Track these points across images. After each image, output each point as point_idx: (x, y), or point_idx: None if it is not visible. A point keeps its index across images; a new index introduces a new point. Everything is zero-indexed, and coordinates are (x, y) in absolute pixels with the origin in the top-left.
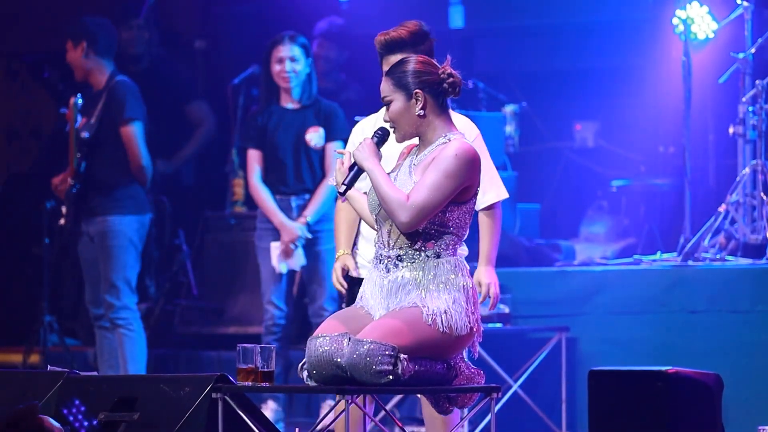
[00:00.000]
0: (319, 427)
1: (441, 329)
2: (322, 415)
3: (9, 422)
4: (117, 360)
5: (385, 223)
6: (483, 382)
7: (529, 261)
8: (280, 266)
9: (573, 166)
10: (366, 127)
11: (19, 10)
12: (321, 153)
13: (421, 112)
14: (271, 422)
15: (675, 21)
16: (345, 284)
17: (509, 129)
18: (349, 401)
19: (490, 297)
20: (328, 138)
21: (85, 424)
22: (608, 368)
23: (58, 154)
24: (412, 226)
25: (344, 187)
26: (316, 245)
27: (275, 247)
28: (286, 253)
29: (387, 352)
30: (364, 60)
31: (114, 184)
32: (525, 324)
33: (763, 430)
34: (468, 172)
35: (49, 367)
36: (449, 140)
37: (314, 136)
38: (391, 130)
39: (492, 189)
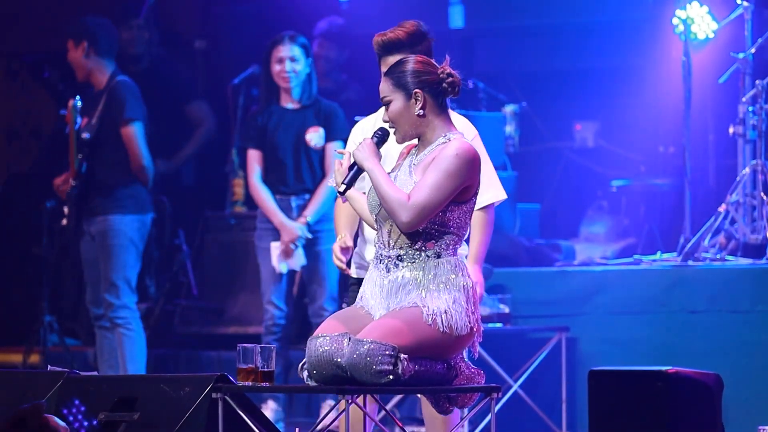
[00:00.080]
0: (319, 427)
1: (441, 329)
2: (322, 415)
3: (14, 421)
4: (117, 360)
5: (385, 223)
6: (483, 382)
7: (529, 261)
8: (280, 266)
9: (573, 166)
10: (366, 126)
11: (19, 10)
12: (321, 153)
13: (421, 111)
14: (271, 422)
15: (675, 21)
16: (344, 259)
17: (509, 129)
18: (349, 401)
19: None
20: (328, 138)
21: (85, 424)
22: (608, 368)
23: (58, 154)
24: (413, 226)
25: (344, 187)
26: (316, 245)
27: (275, 247)
28: (286, 253)
29: (387, 352)
30: (364, 60)
31: (115, 183)
32: (525, 324)
33: (763, 430)
34: (468, 172)
35: (49, 367)
36: (449, 140)
37: (314, 136)
38: (391, 131)
39: (490, 189)
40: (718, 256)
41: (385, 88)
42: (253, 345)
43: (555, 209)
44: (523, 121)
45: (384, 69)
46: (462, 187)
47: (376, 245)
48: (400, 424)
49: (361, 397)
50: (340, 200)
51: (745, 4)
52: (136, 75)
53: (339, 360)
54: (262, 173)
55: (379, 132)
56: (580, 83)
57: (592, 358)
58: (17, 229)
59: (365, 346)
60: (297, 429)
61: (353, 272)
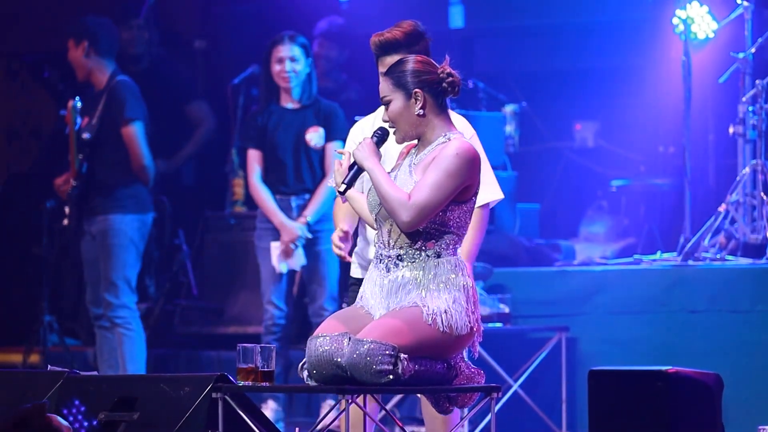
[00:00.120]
0: (319, 427)
1: (441, 329)
2: (322, 415)
3: (17, 421)
4: (117, 360)
5: (385, 222)
6: (483, 381)
7: (529, 261)
8: (280, 266)
9: (573, 166)
10: (364, 126)
11: (19, 10)
12: (321, 153)
13: (421, 111)
14: (271, 422)
15: (675, 21)
16: (343, 246)
17: (509, 129)
18: (349, 401)
19: None
20: (328, 138)
21: (85, 424)
22: (608, 368)
23: (58, 154)
24: (414, 226)
25: (344, 187)
26: (316, 245)
27: (275, 247)
28: (286, 253)
29: (387, 352)
30: (364, 60)
31: (115, 183)
32: (525, 324)
33: (763, 430)
34: (469, 171)
35: (49, 367)
36: (449, 139)
37: (314, 136)
38: (391, 130)
39: (486, 189)
40: (718, 256)
41: (384, 87)
42: (253, 345)
43: (555, 209)
44: (523, 121)
45: (381, 69)
46: (462, 186)
47: (376, 245)
48: (400, 424)
49: (361, 396)
50: (339, 199)
51: (745, 3)
52: (136, 75)
53: (339, 360)
54: (262, 173)
55: (379, 131)
56: (580, 83)
57: (592, 358)
58: (17, 229)
59: (365, 346)
60: (297, 429)
61: (353, 272)
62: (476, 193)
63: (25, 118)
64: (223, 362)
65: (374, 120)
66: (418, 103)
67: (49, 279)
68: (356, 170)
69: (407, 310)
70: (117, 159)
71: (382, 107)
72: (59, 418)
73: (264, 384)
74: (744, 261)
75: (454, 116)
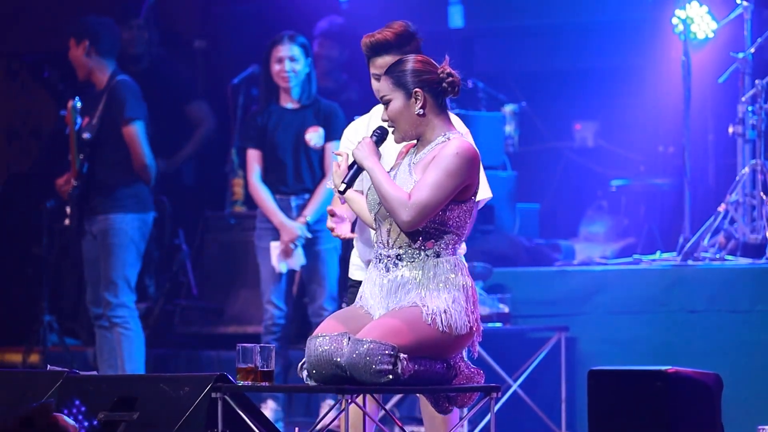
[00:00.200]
0: (318, 427)
1: (441, 329)
2: (321, 415)
3: (23, 421)
4: (117, 360)
5: (384, 222)
6: (483, 381)
7: (528, 261)
8: (280, 266)
9: (573, 166)
10: (359, 126)
11: (19, 10)
12: (320, 153)
13: (421, 111)
14: (271, 422)
15: (675, 21)
16: (335, 226)
17: (509, 129)
18: (349, 401)
19: None
20: (328, 138)
21: (85, 424)
22: (608, 368)
23: (58, 154)
24: (414, 225)
25: (344, 186)
26: (315, 245)
27: (275, 247)
28: (286, 253)
29: (387, 352)
30: (364, 60)
31: (116, 183)
32: (525, 324)
33: (763, 430)
34: (468, 171)
35: (48, 366)
36: (449, 139)
37: (314, 136)
38: (390, 130)
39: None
40: (717, 256)
41: (384, 86)
42: (253, 345)
43: (555, 209)
44: (523, 121)
45: (373, 70)
46: (462, 186)
47: (375, 245)
48: (400, 424)
49: (361, 396)
50: (337, 199)
51: (745, 3)
52: (136, 75)
53: (338, 360)
54: (262, 173)
55: (378, 131)
56: (580, 83)
57: (592, 358)
58: (17, 229)
59: (365, 346)
60: (297, 429)
61: (352, 274)
62: (476, 193)
63: (25, 118)
64: (223, 362)
65: (369, 120)
66: (418, 102)
67: (49, 279)
68: (356, 170)
69: (407, 310)
70: (118, 158)
71: (375, 108)
72: (65, 417)
73: (263, 384)
74: (743, 261)
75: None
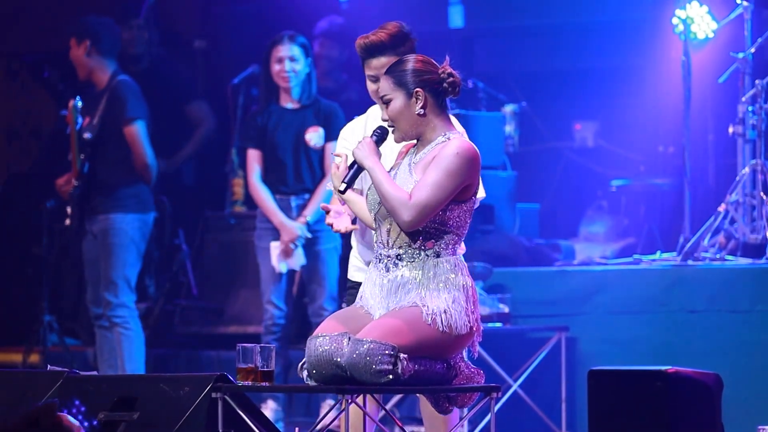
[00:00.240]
0: (318, 427)
1: (441, 329)
2: (321, 415)
3: (28, 421)
4: (117, 360)
5: (384, 221)
6: (483, 381)
7: (528, 261)
8: (280, 266)
9: (573, 166)
10: (356, 127)
11: (19, 10)
12: (320, 153)
13: (421, 111)
14: (271, 422)
15: (675, 21)
16: (333, 222)
17: (509, 129)
18: (349, 401)
19: None
20: (328, 138)
21: (85, 424)
22: (608, 368)
23: (58, 154)
24: (415, 225)
25: (344, 186)
26: (315, 245)
27: (275, 247)
28: (286, 253)
29: (387, 352)
30: None
31: (117, 183)
32: (525, 324)
33: (763, 430)
34: (469, 171)
35: (49, 366)
36: (449, 139)
37: (314, 136)
38: (390, 129)
39: None
40: (717, 256)
41: (385, 86)
42: (253, 345)
43: (555, 209)
44: (523, 121)
45: (368, 72)
46: (462, 186)
47: (375, 245)
48: (400, 424)
49: (361, 396)
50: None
51: (745, 3)
52: (136, 75)
53: (339, 360)
54: (262, 173)
55: (378, 130)
56: (580, 83)
57: (592, 358)
58: (17, 229)
59: (365, 346)
60: (297, 429)
61: (351, 275)
62: (476, 193)
63: (25, 118)
64: (223, 362)
65: (366, 121)
66: (418, 102)
67: (49, 279)
68: (356, 169)
69: (407, 310)
70: (119, 158)
71: (372, 108)
72: (70, 417)
73: (264, 384)
74: (743, 261)
75: None
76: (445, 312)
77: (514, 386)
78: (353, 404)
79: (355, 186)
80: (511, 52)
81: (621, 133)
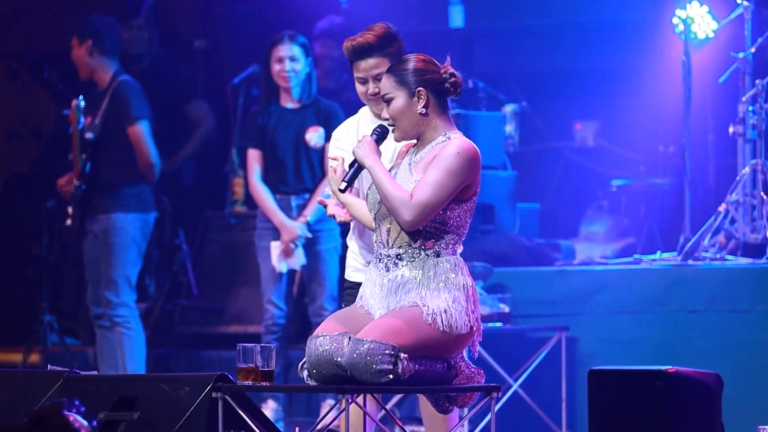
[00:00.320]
0: (319, 427)
1: (441, 328)
2: (322, 415)
3: (35, 421)
4: (117, 359)
5: (384, 221)
6: (483, 381)
7: (529, 260)
8: (280, 266)
9: (573, 166)
10: (348, 129)
11: (19, 10)
12: (321, 152)
13: (423, 110)
14: (271, 422)
15: (675, 20)
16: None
17: (509, 128)
18: (349, 401)
19: None
20: (328, 138)
21: (85, 424)
22: (608, 368)
23: (58, 154)
24: (416, 225)
25: (344, 185)
26: (316, 245)
27: (275, 247)
28: (286, 253)
29: (387, 352)
30: None
31: (119, 182)
32: (525, 323)
33: (763, 429)
34: (469, 170)
35: (49, 366)
36: (449, 138)
37: (314, 136)
38: (390, 128)
39: None
40: (717, 256)
41: (387, 85)
42: (253, 344)
43: (555, 209)
44: (523, 121)
45: (357, 74)
46: (463, 185)
47: (375, 244)
48: (400, 424)
49: (361, 396)
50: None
51: (745, 3)
52: (136, 75)
53: (339, 359)
54: (262, 173)
55: (378, 129)
56: (580, 83)
57: (592, 358)
58: (17, 229)
59: (365, 346)
60: (297, 428)
61: (348, 275)
62: (476, 193)
63: (25, 118)
64: (223, 362)
65: (358, 121)
66: (420, 101)
67: (49, 279)
68: (356, 168)
69: (407, 310)
70: (120, 158)
71: (362, 109)
72: (77, 416)
73: (264, 384)
74: (744, 261)
75: None
76: (445, 312)
77: (515, 386)
78: (353, 404)
79: (354, 190)
80: (511, 52)
81: (621, 133)
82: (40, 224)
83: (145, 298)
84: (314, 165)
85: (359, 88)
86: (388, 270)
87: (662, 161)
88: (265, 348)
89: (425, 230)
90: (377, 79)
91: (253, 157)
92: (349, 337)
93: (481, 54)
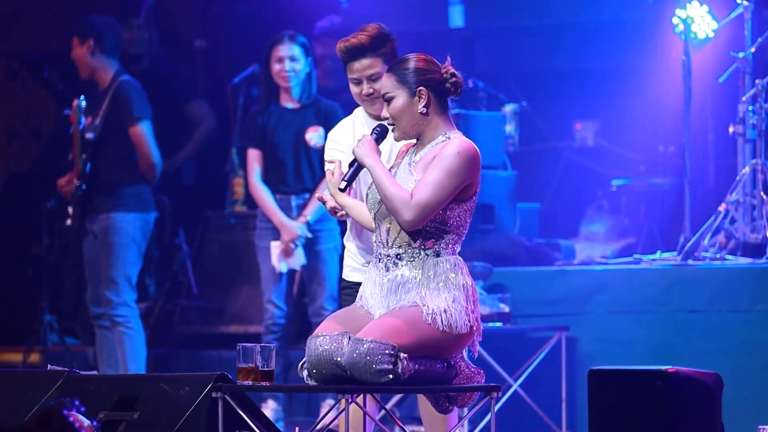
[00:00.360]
0: (319, 427)
1: (441, 328)
2: (322, 415)
3: (39, 420)
4: (117, 359)
5: (384, 221)
6: (483, 381)
7: (529, 260)
8: (280, 265)
9: (573, 166)
10: (343, 130)
11: (19, 10)
12: (321, 152)
13: (424, 110)
14: (271, 421)
15: (675, 20)
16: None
17: (509, 128)
18: (349, 400)
19: None
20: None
21: (85, 424)
22: (608, 368)
23: (58, 154)
24: (416, 224)
25: (344, 184)
26: (316, 244)
27: (275, 247)
28: (286, 253)
29: (387, 351)
30: None
31: (119, 182)
32: (525, 323)
33: (763, 429)
34: (469, 170)
35: (49, 366)
36: (449, 138)
37: (314, 136)
38: (390, 128)
39: None
40: (717, 256)
41: (387, 84)
42: (253, 344)
43: (555, 209)
44: (523, 121)
45: (350, 75)
46: (463, 185)
47: (375, 244)
48: (400, 424)
49: (361, 396)
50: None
51: (745, 3)
52: (136, 75)
53: (339, 359)
54: (262, 173)
55: (378, 128)
56: (580, 83)
57: (592, 358)
58: (17, 229)
59: (365, 345)
60: (297, 428)
61: (345, 275)
62: (476, 193)
63: (25, 118)
64: (224, 362)
65: (353, 122)
66: (421, 101)
67: (49, 279)
68: (356, 167)
69: (407, 310)
70: (121, 158)
71: (357, 110)
72: (81, 416)
73: (264, 383)
74: (744, 260)
75: None
76: (445, 311)
77: (515, 386)
78: (353, 404)
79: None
80: (511, 52)
81: (621, 133)
82: (40, 224)
83: (145, 298)
84: (314, 165)
85: (353, 89)
86: (387, 270)
87: (662, 161)
88: (265, 348)
89: (425, 230)
90: (371, 79)
91: (253, 157)
92: (349, 337)
93: (481, 54)
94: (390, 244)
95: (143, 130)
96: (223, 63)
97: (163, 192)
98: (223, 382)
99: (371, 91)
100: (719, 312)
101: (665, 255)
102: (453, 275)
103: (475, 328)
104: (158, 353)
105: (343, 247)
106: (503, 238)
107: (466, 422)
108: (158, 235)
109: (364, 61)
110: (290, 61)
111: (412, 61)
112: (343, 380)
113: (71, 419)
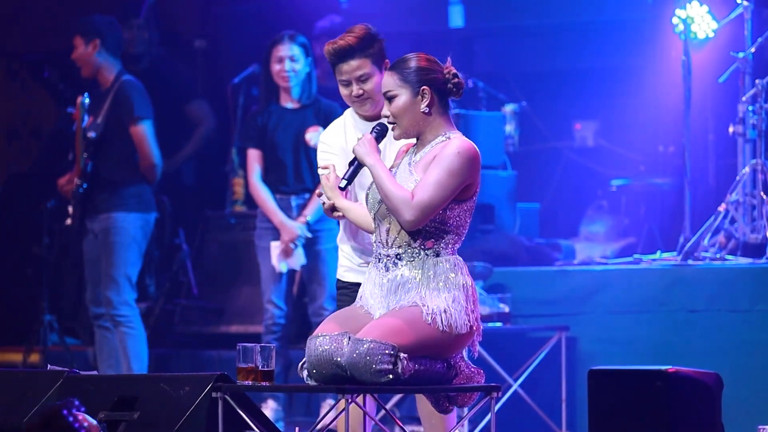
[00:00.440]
0: (318, 427)
1: (441, 328)
2: (322, 415)
3: (44, 420)
4: (116, 359)
5: (384, 221)
6: (483, 381)
7: (529, 260)
8: (280, 265)
9: (573, 166)
10: (335, 132)
11: (19, 10)
12: None
13: (427, 109)
14: (271, 421)
15: (675, 20)
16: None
17: (509, 128)
18: (349, 400)
19: None
20: None
21: (85, 424)
22: (608, 368)
23: (58, 154)
24: (417, 225)
25: (345, 182)
26: (316, 244)
27: (275, 247)
28: (286, 253)
29: (387, 351)
30: None
31: (120, 182)
32: (525, 323)
33: (763, 429)
34: (470, 170)
35: (49, 366)
36: (449, 138)
37: (314, 136)
38: (390, 127)
39: None
40: (717, 256)
41: (390, 82)
42: (253, 344)
43: (555, 209)
44: (523, 121)
45: (339, 77)
46: (463, 185)
47: (374, 244)
48: (400, 424)
49: (361, 396)
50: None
51: (745, 3)
52: (136, 75)
53: (339, 359)
54: (262, 173)
55: (378, 127)
56: (580, 83)
57: (592, 358)
58: (17, 229)
59: (365, 346)
60: (297, 428)
61: (341, 275)
62: (476, 193)
63: (25, 118)
64: (224, 362)
65: (344, 124)
66: (424, 100)
67: (49, 279)
68: (356, 166)
69: (407, 310)
70: (123, 157)
71: (348, 111)
72: (87, 416)
73: (264, 383)
74: (743, 260)
75: None
76: (445, 311)
77: (515, 386)
78: (353, 404)
79: (350, 193)
80: (511, 52)
81: (621, 133)
82: (40, 224)
83: (145, 298)
84: (314, 165)
85: (343, 91)
86: (387, 270)
87: (662, 161)
88: (265, 348)
89: (425, 230)
90: (360, 80)
91: (253, 157)
92: (349, 337)
93: (481, 54)
94: (390, 244)
95: (144, 130)
96: (223, 63)
97: (163, 192)
98: (223, 382)
99: (361, 92)
100: (719, 312)
101: (665, 255)
102: (453, 275)
103: (475, 328)
104: (158, 353)
105: None
106: (503, 238)
107: (466, 422)
108: (158, 235)
109: (353, 63)
110: (290, 61)
111: (415, 60)
112: (343, 380)
113: (78, 420)
